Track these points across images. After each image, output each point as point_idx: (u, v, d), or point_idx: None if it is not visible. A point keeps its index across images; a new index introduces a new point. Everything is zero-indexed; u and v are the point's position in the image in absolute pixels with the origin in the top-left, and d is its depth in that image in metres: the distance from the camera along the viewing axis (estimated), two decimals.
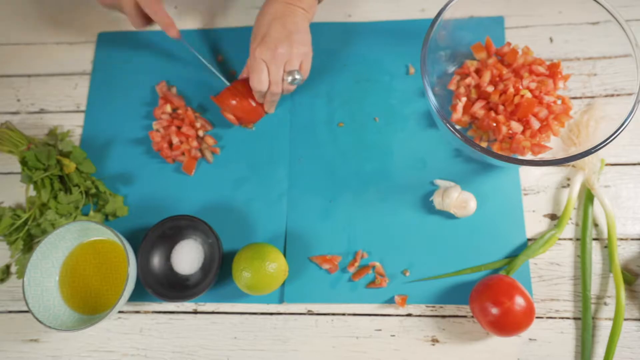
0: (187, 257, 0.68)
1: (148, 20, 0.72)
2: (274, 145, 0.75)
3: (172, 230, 0.69)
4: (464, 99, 0.70)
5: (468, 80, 0.71)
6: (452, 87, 0.73)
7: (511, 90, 0.67)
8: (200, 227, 0.68)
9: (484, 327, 0.62)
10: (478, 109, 0.69)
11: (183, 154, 0.75)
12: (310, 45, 0.70)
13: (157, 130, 0.76)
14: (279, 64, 0.67)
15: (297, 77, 0.68)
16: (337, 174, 0.73)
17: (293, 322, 0.67)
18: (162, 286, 0.67)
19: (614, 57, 0.72)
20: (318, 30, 0.81)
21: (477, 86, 0.70)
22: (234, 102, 0.72)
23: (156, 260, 0.69)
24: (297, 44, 0.67)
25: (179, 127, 0.75)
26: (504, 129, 0.67)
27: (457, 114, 0.70)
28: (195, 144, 0.74)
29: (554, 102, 0.67)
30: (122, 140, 0.78)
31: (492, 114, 0.68)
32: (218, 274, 0.67)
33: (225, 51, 0.82)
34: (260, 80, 0.68)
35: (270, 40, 0.66)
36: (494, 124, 0.68)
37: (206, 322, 0.68)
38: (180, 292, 0.67)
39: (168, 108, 0.77)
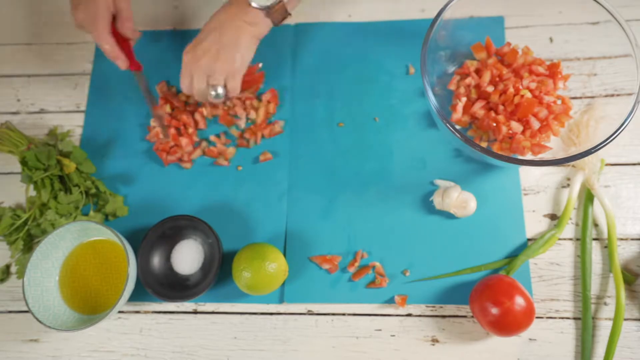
0: (187, 257, 0.68)
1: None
2: (274, 146, 0.75)
3: (172, 230, 0.69)
4: (464, 99, 0.70)
5: (468, 80, 0.71)
6: (452, 87, 0.73)
7: (511, 90, 0.67)
8: (200, 227, 0.68)
9: (484, 327, 0.62)
10: (478, 109, 0.69)
11: (180, 159, 0.75)
12: (243, 62, 0.67)
13: (154, 127, 0.76)
14: (200, 75, 0.66)
15: (219, 91, 0.67)
16: (337, 174, 0.73)
17: (293, 322, 0.67)
18: (162, 286, 0.67)
19: (614, 57, 0.72)
20: (318, 30, 0.81)
21: (477, 86, 0.70)
22: None
23: (156, 260, 0.69)
24: (223, 60, 0.65)
25: (177, 129, 0.75)
26: (504, 129, 0.67)
27: (457, 114, 0.70)
28: (190, 148, 0.74)
29: (554, 102, 0.67)
30: (122, 140, 0.78)
31: (492, 114, 0.68)
32: (218, 274, 0.67)
33: None
34: (183, 85, 0.68)
35: (199, 49, 0.65)
36: (494, 124, 0.68)
37: (206, 322, 0.68)
38: (180, 292, 0.67)
39: (168, 108, 0.77)
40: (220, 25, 0.65)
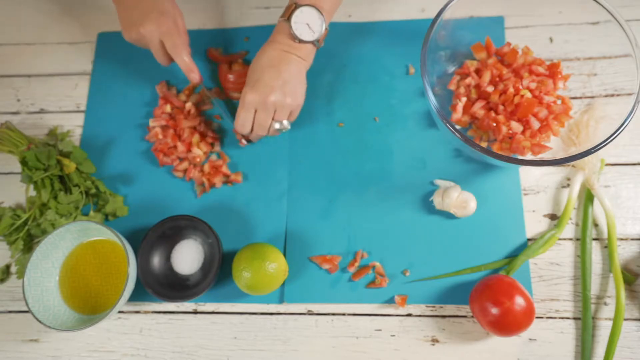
0: (187, 257, 0.68)
1: (172, 59, 0.71)
2: (274, 146, 0.75)
3: (172, 230, 0.69)
4: (464, 99, 0.70)
5: (468, 80, 0.71)
6: (452, 87, 0.73)
7: (511, 90, 0.67)
8: (200, 227, 0.68)
9: (484, 327, 0.62)
10: (478, 109, 0.69)
11: (179, 158, 0.75)
12: (304, 95, 0.69)
13: (153, 127, 0.76)
14: (268, 112, 0.66)
15: (286, 126, 0.69)
16: (337, 174, 0.73)
17: (293, 322, 0.67)
18: (162, 286, 0.67)
19: (614, 57, 0.72)
20: None
21: (477, 86, 0.70)
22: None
23: (156, 260, 0.69)
24: (290, 95, 0.66)
25: (174, 129, 0.75)
26: (504, 129, 0.66)
27: (457, 114, 0.70)
28: (183, 155, 0.74)
29: (554, 102, 0.67)
30: (122, 140, 0.78)
31: (492, 114, 0.68)
32: (218, 274, 0.67)
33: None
34: (244, 125, 0.68)
35: (262, 87, 0.65)
36: (494, 124, 0.68)
37: (206, 322, 0.68)
38: (180, 292, 0.67)
39: (168, 108, 0.76)
40: (276, 63, 0.65)
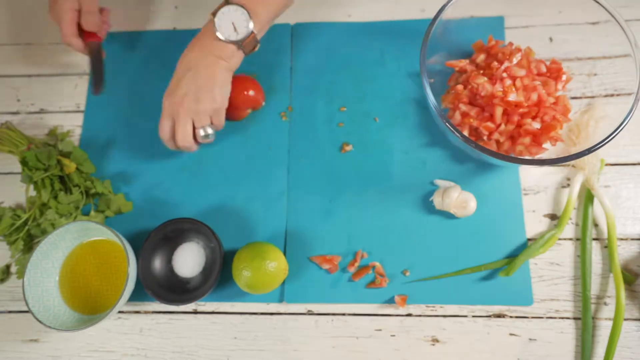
0: (189, 260, 0.68)
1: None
2: (273, 145, 0.75)
3: (174, 233, 0.69)
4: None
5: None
6: (452, 83, 0.73)
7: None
8: (203, 230, 0.68)
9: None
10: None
11: None
12: (224, 98, 0.67)
13: None
14: (184, 120, 0.65)
15: (209, 132, 0.67)
16: (337, 174, 0.73)
17: (293, 322, 0.67)
18: (162, 288, 0.67)
19: (614, 57, 0.72)
20: (318, 30, 0.81)
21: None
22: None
23: (157, 262, 0.68)
24: (205, 101, 0.64)
25: None
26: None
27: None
28: None
29: (555, 102, 0.67)
30: (122, 140, 0.78)
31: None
32: (218, 278, 0.66)
33: None
34: (162, 131, 0.67)
35: (177, 94, 0.64)
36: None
37: (206, 322, 0.68)
38: (180, 295, 0.67)
39: None
40: (193, 65, 0.64)
